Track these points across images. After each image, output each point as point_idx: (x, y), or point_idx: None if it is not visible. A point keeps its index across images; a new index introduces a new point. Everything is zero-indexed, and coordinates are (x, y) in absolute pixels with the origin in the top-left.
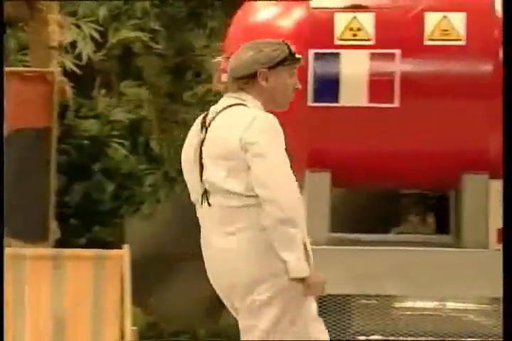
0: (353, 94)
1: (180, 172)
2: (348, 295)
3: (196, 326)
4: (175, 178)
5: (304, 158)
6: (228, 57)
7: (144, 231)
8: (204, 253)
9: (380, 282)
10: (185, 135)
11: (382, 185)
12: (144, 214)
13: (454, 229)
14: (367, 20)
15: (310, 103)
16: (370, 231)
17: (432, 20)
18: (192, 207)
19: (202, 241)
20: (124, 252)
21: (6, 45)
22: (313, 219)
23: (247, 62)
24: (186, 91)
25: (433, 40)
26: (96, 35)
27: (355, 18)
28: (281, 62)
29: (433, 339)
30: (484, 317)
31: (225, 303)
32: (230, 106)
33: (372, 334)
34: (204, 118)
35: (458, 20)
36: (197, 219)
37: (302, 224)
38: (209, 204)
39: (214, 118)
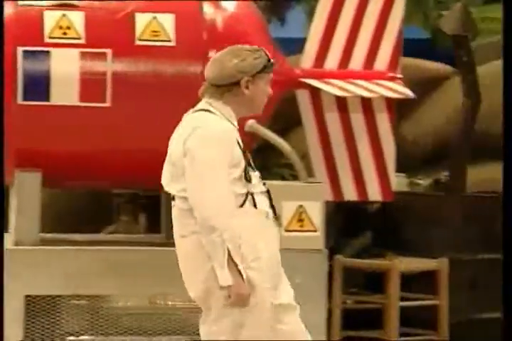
0: (64, 92)
1: None
2: (59, 296)
3: None
4: None
5: (13, 157)
6: None
7: None
8: None
9: (92, 282)
10: None
11: (94, 184)
12: None
13: (165, 228)
14: (77, 19)
15: (20, 101)
16: (83, 231)
17: (142, 20)
18: None
19: None
20: None
21: None
22: (23, 219)
23: (231, 70)
24: None
25: (143, 40)
26: None
27: (64, 16)
28: (262, 70)
29: (143, 337)
30: (192, 315)
31: None
32: (196, 111)
33: (82, 335)
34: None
35: (167, 22)
36: None
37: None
38: (173, 205)
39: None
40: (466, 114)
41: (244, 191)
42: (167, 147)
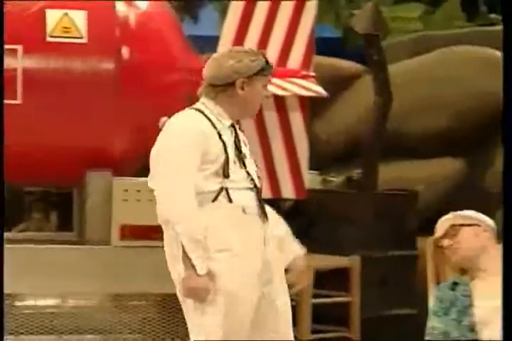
0: None
1: None
2: None
3: None
4: None
5: None
6: None
7: None
8: None
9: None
10: None
11: (5, 182)
12: None
13: (77, 226)
14: None
15: None
16: None
17: (53, 17)
18: None
19: None
20: None
21: None
22: None
23: (227, 71)
24: None
25: (54, 37)
26: None
27: None
28: (258, 72)
29: (54, 336)
30: (104, 314)
31: None
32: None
33: None
34: None
35: (79, 18)
36: None
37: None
38: None
39: None
40: (377, 112)
41: (219, 186)
42: (79, 143)
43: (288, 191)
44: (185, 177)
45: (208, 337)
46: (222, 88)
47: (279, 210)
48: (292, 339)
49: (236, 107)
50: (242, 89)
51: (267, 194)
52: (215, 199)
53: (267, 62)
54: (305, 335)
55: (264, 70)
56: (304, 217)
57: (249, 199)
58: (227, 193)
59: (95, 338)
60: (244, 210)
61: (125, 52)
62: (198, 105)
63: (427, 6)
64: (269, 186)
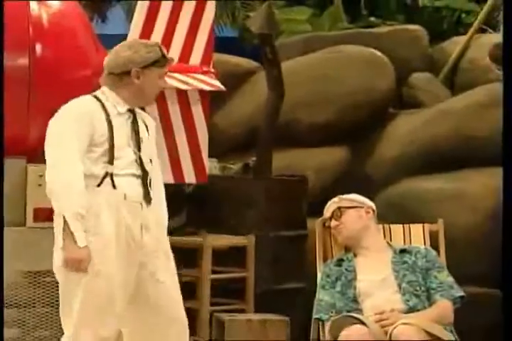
0: None
1: None
2: None
3: None
4: None
5: None
6: None
7: None
8: None
9: None
10: None
11: None
12: None
13: None
14: None
15: None
16: None
17: None
18: None
19: None
20: None
21: None
22: None
23: (124, 60)
24: None
25: None
26: None
27: None
28: (153, 63)
29: None
30: (19, 289)
31: None
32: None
33: None
34: None
35: None
36: None
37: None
38: None
39: None
40: (270, 105)
41: (104, 171)
42: None
43: (190, 176)
44: (70, 151)
45: (72, 308)
46: (119, 77)
47: (182, 195)
48: (179, 312)
49: (132, 95)
50: (138, 78)
51: (171, 179)
52: (99, 184)
53: (163, 54)
54: (205, 307)
55: (159, 62)
56: (205, 201)
57: (134, 186)
58: (112, 179)
59: (12, 311)
60: (125, 197)
61: (39, 48)
62: (96, 92)
63: (315, 9)
64: (173, 172)
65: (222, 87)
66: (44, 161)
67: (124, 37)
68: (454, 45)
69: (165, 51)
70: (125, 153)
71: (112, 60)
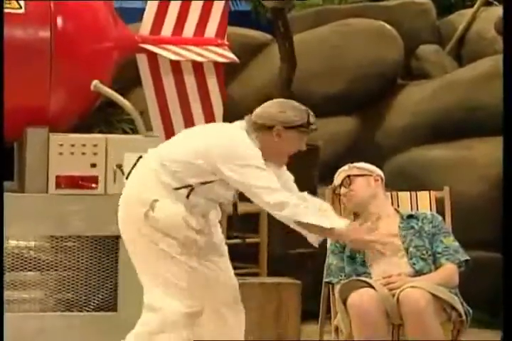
0: None
1: None
2: None
3: None
4: None
5: None
6: None
7: None
8: None
9: None
10: None
11: None
12: None
13: (17, 176)
14: None
15: None
16: None
17: None
18: None
19: None
20: None
21: None
22: None
23: (269, 116)
24: None
25: None
26: None
27: None
28: (297, 127)
29: None
30: (42, 253)
31: None
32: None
33: None
34: None
35: None
36: None
37: None
38: None
39: None
40: (283, 76)
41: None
42: (19, 104)
43: None
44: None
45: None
46: (261, 128)
47: None
48: (234, 296)
49: (267, 149)
50: (279, 136)
51: None
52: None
53: (308, 121)
54: None
55: (301, 127)
56: None
57: None
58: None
59: (35, 274)
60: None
61: (60, 21)
62: (243, 126)
63: None
64: None
65: (236, 59)
66: (65, 131)
67: (141, 11)
68: (461, 17)
69: (312, 119)
70: None
71: (259, 110)
